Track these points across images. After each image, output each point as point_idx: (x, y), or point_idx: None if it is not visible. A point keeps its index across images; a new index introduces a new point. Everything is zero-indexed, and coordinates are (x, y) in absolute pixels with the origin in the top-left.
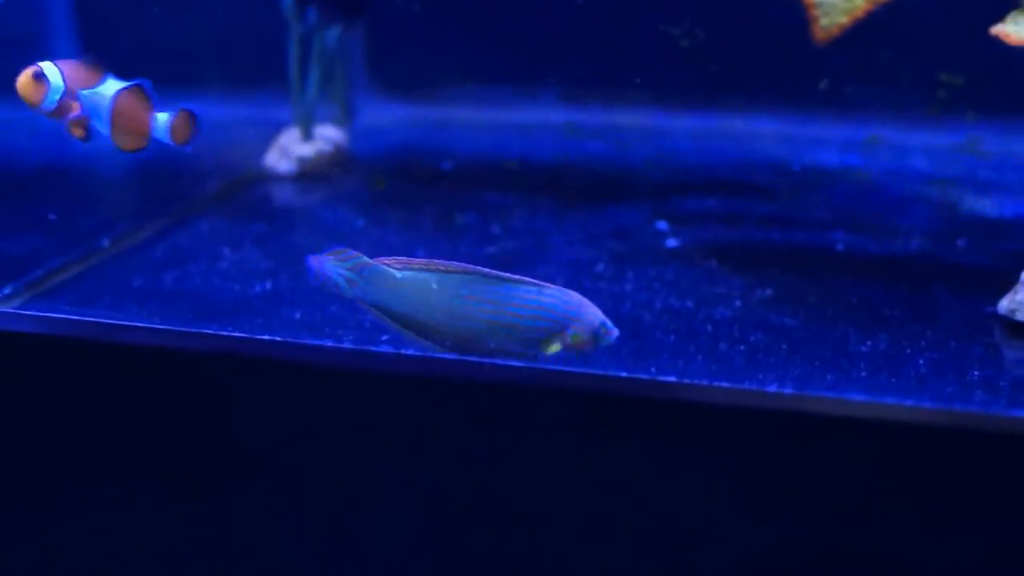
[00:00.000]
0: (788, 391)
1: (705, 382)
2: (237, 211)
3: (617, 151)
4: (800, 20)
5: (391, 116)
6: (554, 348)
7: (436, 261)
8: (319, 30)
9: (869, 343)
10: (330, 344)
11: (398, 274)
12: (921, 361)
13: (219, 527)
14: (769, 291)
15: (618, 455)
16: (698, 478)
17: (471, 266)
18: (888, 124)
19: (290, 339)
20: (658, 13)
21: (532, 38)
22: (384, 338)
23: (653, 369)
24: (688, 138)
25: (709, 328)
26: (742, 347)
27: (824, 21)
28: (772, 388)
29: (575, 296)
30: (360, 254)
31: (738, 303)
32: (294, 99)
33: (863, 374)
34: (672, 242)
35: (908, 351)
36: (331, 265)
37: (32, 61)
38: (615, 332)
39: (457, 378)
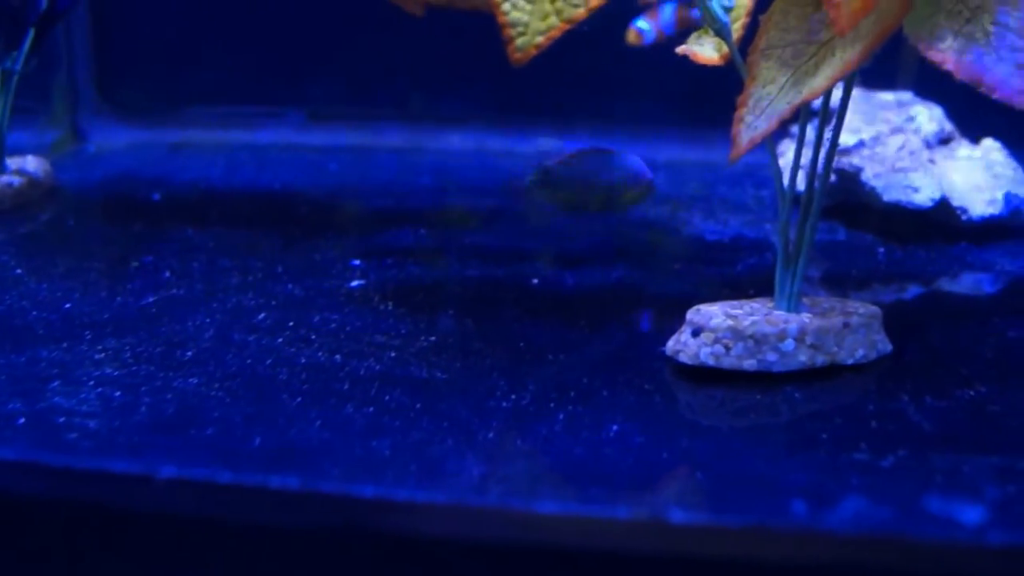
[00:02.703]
0: None
1: None
2: None
3: (355, 176)
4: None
5: (124, 140)
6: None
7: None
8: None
9: (514, 397)
10: None
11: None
12: (561, 416)
13: None
14: (433, 338)
15: None
16: None
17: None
18: (619, 138)
19: None
20: (408, 35)
21: (276, 59)
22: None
23: (258, 440)
24: (434, 160)
25: (345, 387)
26: (370, 409)
27: (520, 41)
28: None
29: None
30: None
31: (392, 355)
32: None
33: (489, 435)
34: (356, 283)
35: (552, 404)
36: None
37: None
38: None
39: None
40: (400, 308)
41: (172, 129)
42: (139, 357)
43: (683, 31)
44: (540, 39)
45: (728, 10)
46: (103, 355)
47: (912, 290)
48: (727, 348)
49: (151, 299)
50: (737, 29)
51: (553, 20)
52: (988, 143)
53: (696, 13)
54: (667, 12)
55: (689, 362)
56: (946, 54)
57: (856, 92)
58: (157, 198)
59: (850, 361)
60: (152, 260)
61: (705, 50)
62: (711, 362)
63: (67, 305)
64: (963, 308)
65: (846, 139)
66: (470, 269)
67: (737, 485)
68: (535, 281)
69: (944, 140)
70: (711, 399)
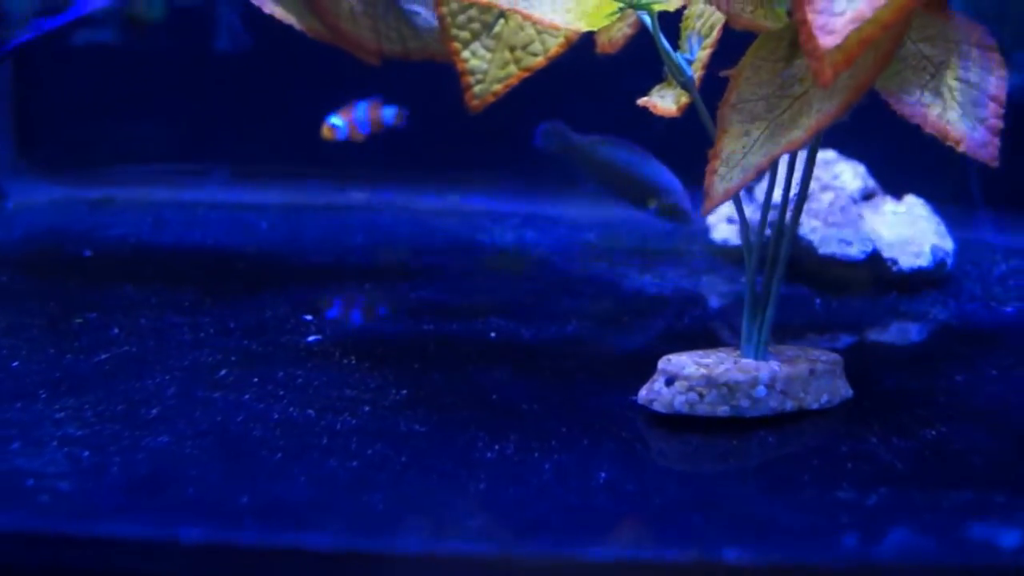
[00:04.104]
0: None
1: None
2: None
3: (287, 233)
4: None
5: (43, 197)
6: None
7: None
8: None
9: (497, 447)
10: None
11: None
12: (547, 465)
13: None
14: (404, 392)
15: None
16: None
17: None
18: (559, 198)
19: None
20: (331, 94)
21: (198, 117)
22: None
23: (246, 498)
24: (364, 217)
25: (324, 441)
26: (355, 463)
27: (477, 88)
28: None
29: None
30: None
31: (366, 408)
32: None
33: (481, 486)
34: (313, 338)
35: (536, 454)
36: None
37: None
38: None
39: None
40: (363, 363)
41: (92, 187)
42: (101, 416)
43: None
44: (498, 87)
45: (690, 63)
46: (63, 414)
47: (855, 338)
48: (701, 396)
49: (103, 356)
50: (696, 79)
51: (512, 68)
52: (911, 199)
53: (388, 115)
54: (361, 110)
55: (663, 410)
56: (914, 108)
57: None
58: (88, 254)
59: (815, 406)
60: (96, 317)
61: (665, 102)
62: (685, 410)
63: (14, 363)
64: (908, 355)
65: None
66: (424, 324)
67: (736, 527)
68: (492, 335)
69: (867, 196)
70: (689, 445)
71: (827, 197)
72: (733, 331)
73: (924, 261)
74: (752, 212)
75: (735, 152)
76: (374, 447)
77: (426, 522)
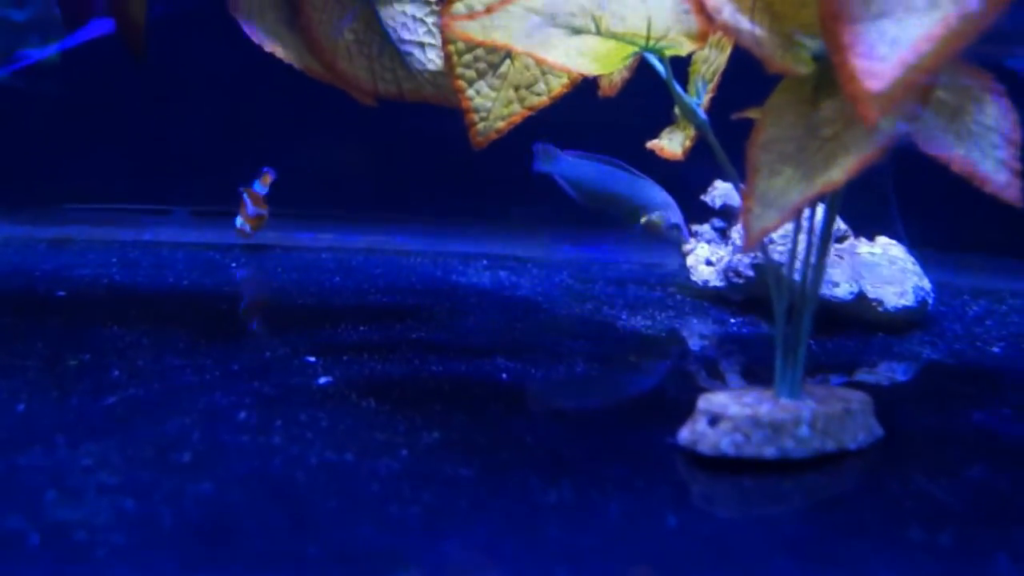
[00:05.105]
0: None
1: None
2: None
3: (260, 274)
4: (450, 134)
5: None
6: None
7: None
8: None
9: (555, 492)
10: None
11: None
12: (614, 509)
13: None
14: (436, 435)
15: None
16: None
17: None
18: (523, 241)
19: None
20: (290, 133)
21: (158, 157)
22: None
23: (316, 548)
24: (335, 258)
25: (375, 488)
26: (416, 508)
27: (481, 126)
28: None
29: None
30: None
31: (404, 452)
32: None
33: (555, 531)
34: (324, 379)
35: (596, 497)
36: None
37: None
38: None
39: None
40: (383, 405)
41: (48, 226)
42: (132, 462)
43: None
44: (501, 124)
45: (698, 105)
46: (89, 460)
47: (861, 378)
48: (747, 436)
49: (112, 400)
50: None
51: (515, 107)
52: (883, 240)
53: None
54: (248, 204)
55: (709, 452)
56: (940, 149)
57: None
58: (63, 295)
59: (853, 446)
60: (91, 358)
61: (673, 145)
62: (731, 451)
63: (19, 407)
64: (919, 394)
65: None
66: (431, 365)
67: (830, 569)
68: (504, 376)
69: (840, 239)
70: (746, 487)
71: (804, 238)
72: (744, 371)
73: (908, 301)
74: (727, 253)
75: (768, 192)
76: (428, 492)
77: (514, 571)
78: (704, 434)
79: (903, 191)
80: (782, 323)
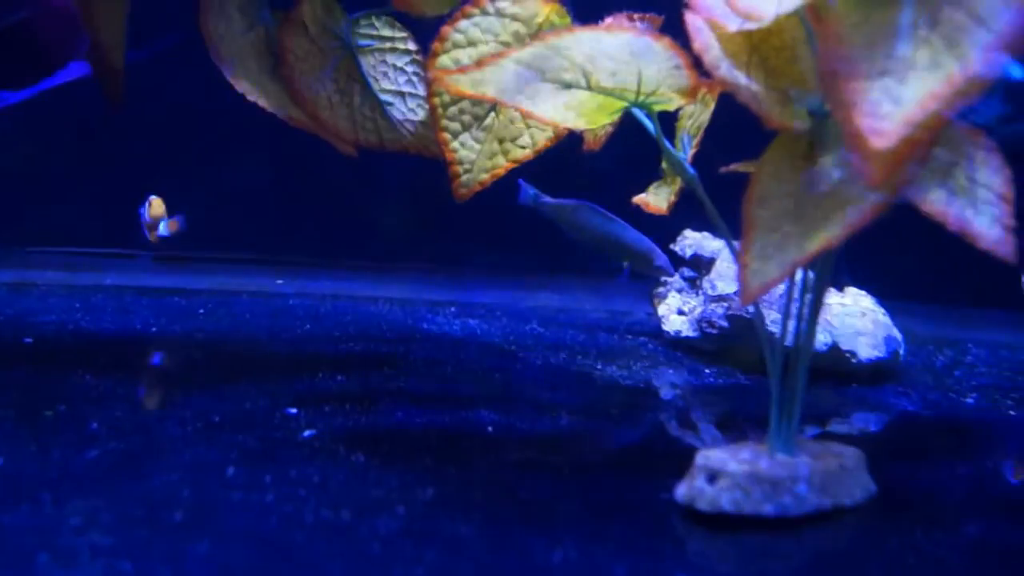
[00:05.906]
0: None
1: None
2: None
3: (230, 321)
4: (414, 180)
5: None
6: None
7: None
8: None
9: (559, 551)
10: None
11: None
12: (619, 570)
13: None
14: (431, 490)
15: None
16: None
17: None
18: (506, 288)
19: None
20: (274, 174)
21: (120, 201)
22: None
23: None
24: (303, 304)
25: (376, 548)
26: (421, 570)
27: (465, 178)
28: None
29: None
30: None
31: (401, 509)
32: None
33: None
34: (308, 432)
35: (601, 557)
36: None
37: None
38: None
39: None
40: (373, 459)
41: (8, 270)
42: (123, 520)
43: None
44: (484, 176)
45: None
46: (78, 519)
47: (840, 431)
48: (747, 493)
49: (94, 453)
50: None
51: (499, 160)
52: (853, 291)
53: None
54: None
55: (708, 509)
56: (935, 205)
57: (720, 244)
58: (29, 342)
59: (849, 502)
60: (66, 409)
61: (658, 200)
62: (731, 509)
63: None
64: (901, 447)
65: (728, 287)
66: (415, 416)
67: None
68: (490, 429)
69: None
70: (750, 546)
71: (779, 290)
72: (727, 424)
73: (880, 352)
74: (699, 303)
75: (767, 247)
76: (431, 552)
77: None
78: (702, 491)
79: (856, 242)
80: (777, 378)
